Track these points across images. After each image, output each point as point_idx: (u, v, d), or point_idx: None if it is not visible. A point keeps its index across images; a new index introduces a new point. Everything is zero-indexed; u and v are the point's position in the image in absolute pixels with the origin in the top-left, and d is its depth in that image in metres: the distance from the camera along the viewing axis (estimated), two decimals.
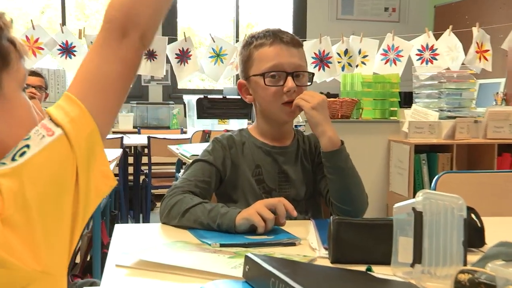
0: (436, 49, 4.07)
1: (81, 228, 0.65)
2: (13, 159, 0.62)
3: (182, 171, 3.90)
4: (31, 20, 3.93)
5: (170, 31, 5.59)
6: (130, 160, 4.49)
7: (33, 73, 3.51)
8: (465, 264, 0.91)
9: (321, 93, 4.58)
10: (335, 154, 1.42)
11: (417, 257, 0.89)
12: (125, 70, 0.68)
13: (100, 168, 0.66)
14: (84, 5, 6.13)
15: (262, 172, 1.48)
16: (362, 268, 0.98)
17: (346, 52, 4.13)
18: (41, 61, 4.10)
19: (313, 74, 1.54)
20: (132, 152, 4.52)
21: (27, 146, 0.62)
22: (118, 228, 1.33)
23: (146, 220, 4.28)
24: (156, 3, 0.70)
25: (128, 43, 0.68)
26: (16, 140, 0.66)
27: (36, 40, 3.90)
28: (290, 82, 1.42)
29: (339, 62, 4.13)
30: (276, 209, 1.26)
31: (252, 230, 1.25)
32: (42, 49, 3.92)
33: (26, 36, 3.87)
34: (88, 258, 2.62)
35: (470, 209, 1.13)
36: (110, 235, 2.93)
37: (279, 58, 1.43)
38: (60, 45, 3.98)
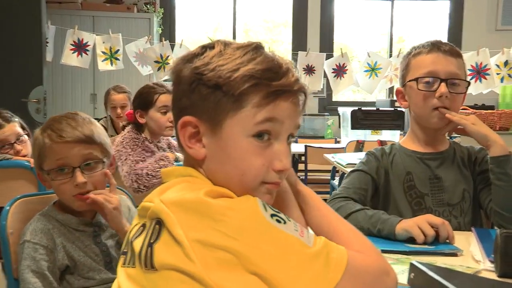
0: None
1: None
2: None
3: (336, 178, 3.89)
4: None
5: (328, 47, 5.63)
6: None
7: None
8: None
9: (476, 104, 4.25)
10: (505, 159, 1.35)
11: None
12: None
13: None
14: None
15: (413, 178, 1.44)
16: None
17: (506, 63, 3.82)
18: None
19: (469, 83, 1.46)
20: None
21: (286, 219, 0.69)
22: None
23: None
24: None
25: (389, 282, 0.72)
26: (225, 178, 0.70)
27: None
28: (442, 88, 1.38)
29: (497, 74, 3.83)
30: (439, 230, 1.20)
31: (411, 239, 1.21)
32: None
33: None
34: None
35: None
36: None
37: (434, 65, 1.40)
38: None
